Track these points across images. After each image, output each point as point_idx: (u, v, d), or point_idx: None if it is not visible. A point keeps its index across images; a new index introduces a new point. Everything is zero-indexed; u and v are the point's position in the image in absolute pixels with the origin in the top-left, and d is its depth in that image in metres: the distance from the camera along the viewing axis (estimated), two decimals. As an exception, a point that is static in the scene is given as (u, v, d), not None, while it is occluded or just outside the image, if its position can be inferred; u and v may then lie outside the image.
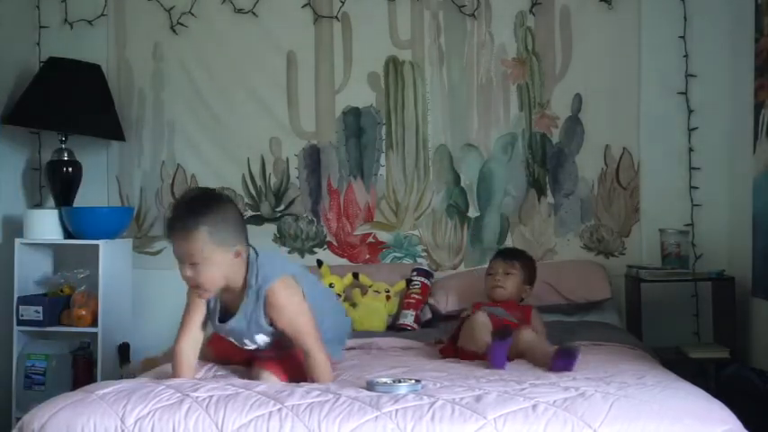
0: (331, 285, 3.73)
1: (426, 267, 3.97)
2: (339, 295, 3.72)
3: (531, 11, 4.09)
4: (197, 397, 2.26)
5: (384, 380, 2.40)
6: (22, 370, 3.90)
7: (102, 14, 4.31)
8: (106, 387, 2.37)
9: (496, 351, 2.72)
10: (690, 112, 3.99)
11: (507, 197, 4.11)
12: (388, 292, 3.76)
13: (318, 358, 2.58)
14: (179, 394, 2.28)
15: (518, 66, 4.11)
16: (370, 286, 3.79)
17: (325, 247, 4.19)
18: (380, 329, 3.67)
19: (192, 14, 4.24)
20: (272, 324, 2.59)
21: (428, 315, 3.80)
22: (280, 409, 2.18)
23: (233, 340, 2.71)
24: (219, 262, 2.50)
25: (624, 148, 4.04)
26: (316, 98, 4.21)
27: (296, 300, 2.59)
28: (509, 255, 3.45)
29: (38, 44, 4.32)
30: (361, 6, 4.17)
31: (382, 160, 4.17)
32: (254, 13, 4.21)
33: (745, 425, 2.14)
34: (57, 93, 3.97)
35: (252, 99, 4.23)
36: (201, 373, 2.67)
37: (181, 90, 4.27)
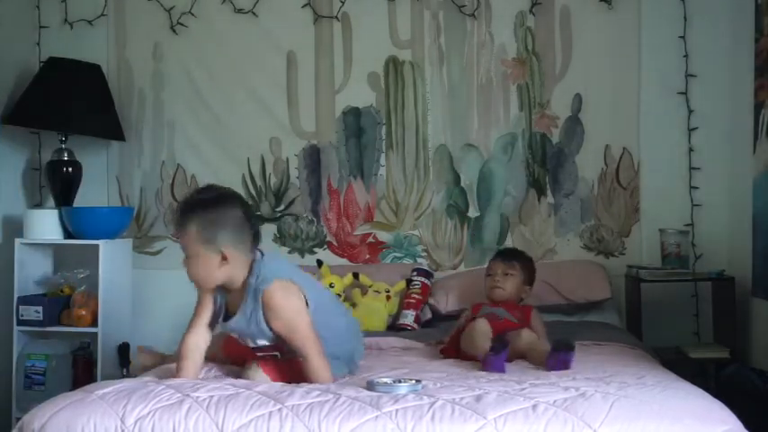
0: (331, 285, 3.73)
1: (426, 267, 3.97)
2: (339, 295, 3.71)
3: (531, 11, 4.09)
4: (197, 397, 2.26)
5: (384, 380, 2.40)
6: (22, 370, 3.90)
7: (102, 14, 4.31)
8: (106, 387, 2.37)
9: (494, 363, 2.72)
10: (690, 112, 3.99)
11: (507, 197, 4.11)
12: (388, 292, 3.76)
13: (315, 362, 2.56)
14: (179, 394, 2.28)
15: (518, 66, 4.11)
16: (370, 286, 3.79)
17: (325, 247, 4.19)
18: (380, 329, 3.67)
19: (192, 14, 4.24)
20: (270, 327, 2.59)
21: (428, 315, 3.80)
22: (280, 409, 2.17)
23: (240, 339, 2.71)
24: (205, 261, 2.54)
25: (624, 148, 4.04)
26: (316, 98, 4.21)
27: (292, 302, 2.58)
28: (508, 255, 3.44)
29: (38, 44, 4.32)
30: (361, 6, 4.17)
31: (382, 160, 4.17)
32: (254, 13, 4.21)
33: (745, 425, 2.14)
34: (57, 93, 3.97)
35: (252, 99, 4.23)
36: (202, 374, 2.67)
37: (181, 90, 4.27)
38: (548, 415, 2.10)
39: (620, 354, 3.02)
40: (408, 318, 3.71)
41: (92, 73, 4.14)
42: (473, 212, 4.13)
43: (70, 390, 2.77)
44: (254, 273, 2.57)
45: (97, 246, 3.87)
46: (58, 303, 3.94)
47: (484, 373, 2.66)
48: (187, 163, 4.27)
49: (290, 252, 4.18)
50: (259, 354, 2.69)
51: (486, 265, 3.53)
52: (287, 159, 4.22)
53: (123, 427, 2.17)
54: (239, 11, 4.21)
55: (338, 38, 4.20)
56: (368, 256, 4.17)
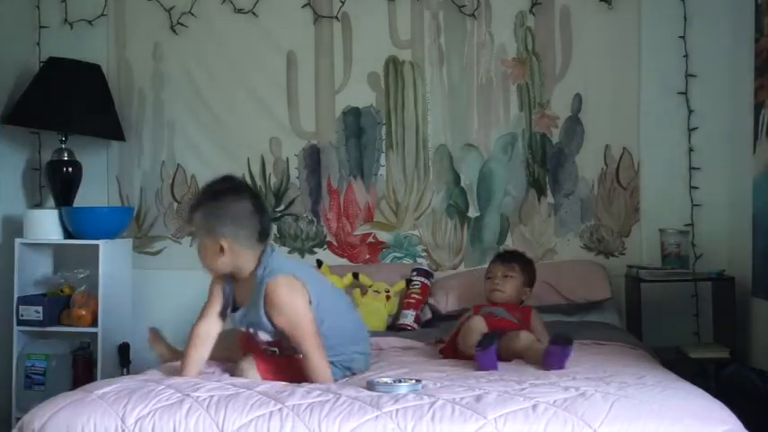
0: (331, 285, 3.73)
1: (426, 267, 3.97)
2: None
3: (531, 11, 4.09)
4: (197, 397, 2.26)
5: (384, 380, 2.40)
6: (22, 370, 3.90)
7: (102, 14, 4.31)
8: (106, 386, 2.37)
9: (482, 359, 2.72)
10: (690, 112, 3.98)
11: (507, 197, 4.11)
12: (388, 292, 3.76)
13: (315, 361, 2.56)
14: (179, 394, 2.28)
15: (518, 66, 4.11)
16: (370, 286, 3.79)
17: (325, 247, 4.19)
18: (380, 329, 3.67)
19: (192, 14, 4.24)
20: (272, 323, 2.59)
21: (428, 315, 3.80)
22: (280, 409, 2.18)
23: (252, 335, 2.72)
24: (206, 250, 2.62)
25: (624, 148, 4.04)
26: (316, 98, 4.21)
27: (296, 299, 2.59)
28: (508, 258, 3.44)
29: (38, 44, 4.32)
30: (361, 6, 4.17)
31: (382, 160, 4.17)
32: (254, 13, 4.21)
33: (746, 425, 2.15)
34: (57, 93, 3.97)
35: (252, 99, 4.23)
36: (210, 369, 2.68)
37: (181, 90, 4.27)
38: (548, 415, 2.10)
39: (620, 354, 3.02)
40: (408, 318, 3.71)
41: (92, 73, 4.14)
42: (473, 212, 4.13)
43: (70, 390, 2.77)
44: (263, 265, 2.61)
45: (97, 246, 3.87)
46: (58, 303, 3.94)
47: (484, 372, 2.66)
48: (187, 163, 4.26)
49: (290, 252, 4.18)
50: (265, 348, 2.70)
51: (486, 265, 3.53)
52: (287, 159, 4.22)
53: (123, 427, 2.18)
54: (239, 11, 4.21)
55: (338, 38, 4.20)
56: (368, 256, 4.17)
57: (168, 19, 4.25)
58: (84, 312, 3.88)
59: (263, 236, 2.64)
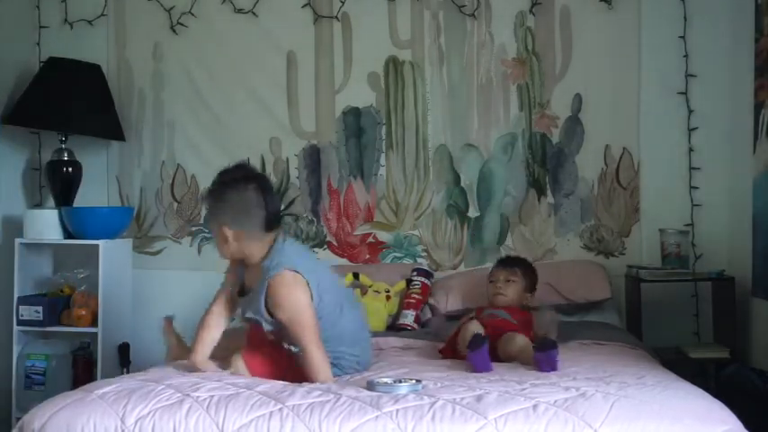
0: (331, 285, 3.72)
1: (426, 267, 3.97)
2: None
3: (531, 11, 4.09)
4: (197, 397, 2.26)
5: (385, 380, 2.40)
6: (22, 370, 3.90)
7: (102, 14, 4.31)
8: (106, 386, 2.37)
9: (474, 359, 2.72)
10: (690, 112, 3.98)
11: (507, 197, 4.11)
12: (388, 292, 3.76)
13: (313, 355, 2.57)
14: (179, 394, 2.29)
15: (518, 66, 4.11)
16: (370, 286, 3.79)
17: (325, 247, 4.19)
18: (380, 329, 3.66)
19: (192, 14, 4.24)
20: (272, 315, 2.60)
21: (428, 315, 3.80)
22: (281, 409, 2.18)
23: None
24: (216, 235, 2.74)
25: (624, 148, 4.04)
26: (316, 98, 4.21)
27: (297, 295, 2.60)
28: (510, 263, 3.46)
29: (38, 44, 4.32)
30: (361, 6, 4.17)
31: (382, 160, 4.17)
32: (254, 13, 4.21)
33: (745, 425, 2.15)
34: (57, 93, 3.97)
35: (252, 99, 4.23)
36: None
37: (181, 90, 4.27)
38: (548, 415, 2.10)
39: (621, 354, 3.02)
40: (408, 318, 3.71)
41: (92, 73, 4.14)
42: (473, 212, 4.13)
43: (70, 390, 2.77)
44: (270, 256, 2.66)
45: (97, 246, 3.87)
46: (58, 303, 3.94)
47: (484, 372, 2.66)
48: (187, 163, 4.27)
49: (289, 252, 4.17)
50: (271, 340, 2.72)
51: (486, 265, 3.53)
52: (287, 159, 4.22)
53: (123, 427, 2.18)
54: (239, 11, 4.21)
55: (338, 38, 4.20)
56: (368, 256, 4.17)
57: (168, 19, 4.25)
58: (84, 312, 3.88)
59: (269, 226, 2.69)
